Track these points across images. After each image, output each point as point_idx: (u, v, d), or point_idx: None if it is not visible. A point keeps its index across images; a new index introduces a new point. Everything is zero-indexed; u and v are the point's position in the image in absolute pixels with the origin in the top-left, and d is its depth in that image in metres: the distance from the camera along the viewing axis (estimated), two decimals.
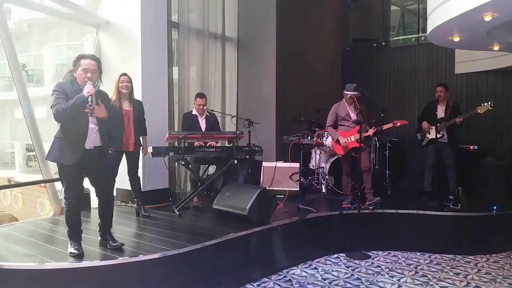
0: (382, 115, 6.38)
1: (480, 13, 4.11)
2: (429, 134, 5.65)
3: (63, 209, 3.49)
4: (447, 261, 4.58)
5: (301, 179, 5.65)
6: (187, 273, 3.49)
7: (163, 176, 5.46)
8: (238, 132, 5.09)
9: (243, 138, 5.12)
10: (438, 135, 5.48)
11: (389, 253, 4.83)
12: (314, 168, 6.38)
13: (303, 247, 4.55)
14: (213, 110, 5.53)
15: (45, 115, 8.64)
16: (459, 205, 4.90)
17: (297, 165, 5.45)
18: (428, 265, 4.46)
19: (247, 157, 5.23)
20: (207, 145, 5.04)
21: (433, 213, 4.90)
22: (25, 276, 3.04)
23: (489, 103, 5.29)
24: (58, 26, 11.81)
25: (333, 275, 4.17)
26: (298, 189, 5.36)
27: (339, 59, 8.97)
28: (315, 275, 4.17)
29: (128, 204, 5.14)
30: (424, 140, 5.74)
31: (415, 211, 4.93)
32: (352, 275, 4.17)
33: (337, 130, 5.27)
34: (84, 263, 3.12)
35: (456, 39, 5.12)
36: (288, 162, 5.59)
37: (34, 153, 7.12)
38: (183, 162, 4.77)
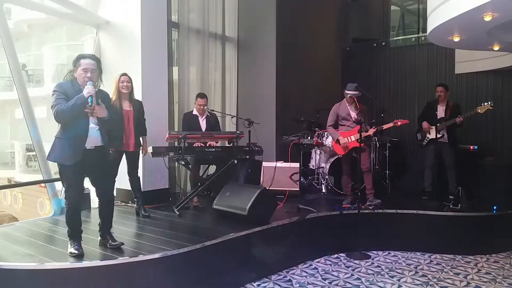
0: (382, 115, 6.39)
1: (480, 13, 4.11)
2: (429, 134, 5.66)
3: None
4: (447, 261, 4.58)
5: (301, 179, 5.65)
6: (187, 273, 3.48)
7: (163, 176, 5.46)
8: (238, 132, 5.10)
9: (243, 138, 5.12)
10: (438, 135, 5.49)
11: (389, 253, 4.83)
12: (314, 168, 6.38)
13: (303, 247, 4.55)
14: (213, 110, 5.53)
15: (45, 115, 8.65)
16: (459, 205, 4.90)
17: (297, 165, 5.45)
18: (428, 265, 4.46)
19: (247, 157, 5.24)
20: (207, 145, 5.04)
21: (433, 213, 4.90)
22: (25, 276, 3.04)
23: (489, 102, 5.30)
24: (58, 26, 11.80)
25: (333, 275, 4.17)
26: (298, 189, 5.36)
27: (339, 59, 8.97)
28: (315, 275, 4.17)
29: (128, 204, 5.15)
30: (424, 140, 5.74)
31: (415, 211, 4.93)
32: (352, 275, 4.17)
33: (337, 130, 5.28)
34: (84, 263, 3.12)
35: (456, 39, 5.12)
36: (288, 162, 5.59)
37: (34, 153, 7.11)
38: (183, 162, 4.77)
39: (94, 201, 4.77)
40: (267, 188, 4.80)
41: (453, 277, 4.12)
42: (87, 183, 3.62)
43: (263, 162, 5.84)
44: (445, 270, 4.32)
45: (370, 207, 5.01)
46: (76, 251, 3.22)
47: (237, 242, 3.87)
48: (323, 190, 6.09)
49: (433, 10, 4.78)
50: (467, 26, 4.59)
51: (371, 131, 5.17)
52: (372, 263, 4.51)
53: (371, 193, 5.17)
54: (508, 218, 4.98)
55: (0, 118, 12.65)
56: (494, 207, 5.02)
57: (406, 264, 4.50)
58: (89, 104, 3.11)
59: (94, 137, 3.28)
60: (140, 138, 4.68)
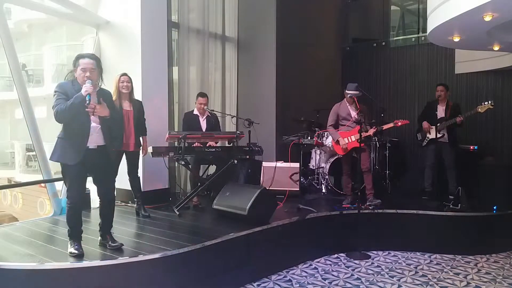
0: (382, 115, 6.39)
1: (480, 13, 4.11)
2: (430, 134, 5.65)
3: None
4: (447, 261, 4.57)
5: (301, 179, 5.65)
6: (187, 273, 3.48)
7: (163, 176, 5.46)
8: (238, 132, 5.09)
9: (243, 138, 5.12)
10: (439, 135, 5.49)
11: (389, 253, 4.83)
12: (314, 168, 6.38)
13: (303, 247, 4.55)
14: (213, 110, 5.53)
15: (45, 115, 8.66)
16: (459, 205, 4.89)
17: (297, 165, 5.45)
18: (428, 265, 4.45)
19: (247, 157, 5.24)
20: (207, 145, 5.04)
21: (433, 213, 4.90)
22: (25, 276, 3.04)
23: (490, 102, 5.30)
24: (58, 26, 11.80)
25: (333, 275, 4.17)
26: (298, 189, 5.36)
27: (339, 59, 8.97)
28: (315, 275, 4.17)
29: (128, 204, 5.14)
30: (425, 140, 5.74)
31: (415, 211, 4.93)
32: (352, 275, 4.17)
33: (338, 130, 5.28)
34: (84, 263, 3.12)
35: (456, 39, 5.12)
36: (288, 162, 5.59)
37: (34, 153, 7.11)
38: (183, 162, 4.77)
39: (94, 201, 4.79)
40: (267, 188, 4.80)
41: (453, 277, 4.12)
42: (88, 183, 3.62)
43: (263, 162, 5.84)
44: (445, 270, 4.32)
45: (370, 207, 5.01)
46: (76, 251, 3.22)
47: (237, 242, 3.87)
48: (323, 190, 6.08)
49: (433, 10, 4.77)
50: (467, 26, 4.59)
51: (371, 131, 5.17)
52: (372, 263, 4.51)
53: (371, 193, 5.17)
54: (508, 218, 4.98)
55: (0, 118, 12.65)
56: (494, 207, 5.02)
57: (406, 264, 4.50)
58: (87, 102, 3.11)
59: (95, 137, 3.29)
60: (140, 138, 4.68)
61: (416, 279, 4.06)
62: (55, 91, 3.23)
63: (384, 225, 4.91)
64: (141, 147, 4.69)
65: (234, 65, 7.09)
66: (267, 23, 7.26)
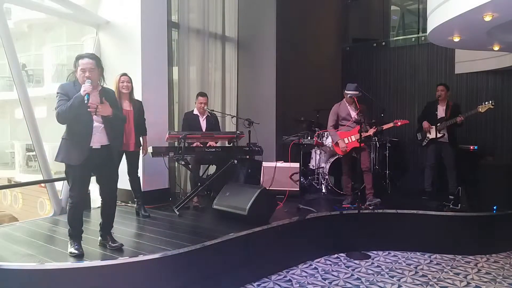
0: (382, 115, 6.39)
1: (480, 13, 4.11)
2: (430, 134, 5.65)
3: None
4: (447, 261, 4.57)
5: (301, 179, 5.65)
6: (187, 273, 3.48)
7: (163, 176, 5.46)
8: (238, 132, 5.10)
9: (243, 138, 5.12)
10: (439, 135, 5.49)
11: (389, 253, 4.83)
12: (314, 168, 6.38)
13: (303, 247, 4.55)
14: (213, 110, 5.53)
15: (45, 115, 8.66)
16: (459, 205, 4.90)
17: (297, 165, 5.46)
18: (428, 265, 4.46)
19: (247, 157, 5.24)
20: (207, 145, 5.04)
21: (433, 213, 4.90)
22: (25, 276, 3.04)
23: (490, 102, 5.30)
24: (58, 26, 11.79)
25: (333, 275, 4.17)
26: (298, 189, 5.36)
27: (339, 59, 8.98)
28: (315, 275, 4.17)
29: (128, 204, 5.14)
30: (425, 140, 5.74)
31: (415, 211, 4.93)
32: (352, 275, 4.17)
33: (338, 130, 5.28)
34: (84, 263, 3.12)
35: (456, 39, 5.12)
36: (288, 162, 5.59)
37: (34, 153, 7.11)
38: (183, 162, 4.77)
39: (94, 201, 4.79)
40: (267, 188, 4.80)
41: (453, 277, 4.12)
42: (90, 183, 3.62)
43: (263, 162, 5.84)
44: (445, 270, 4.32)
45: (370, 207, 5.01)
46: (76, 251, 3.22)
47: (237, 242, 3.87)
48: (323, 190, 6.08)
49: (433, 10, 4.78)
50: (467, 26, 4.59)
51: (371, 131, 5.18)
52: (372, 263, 4.51)
53: (371, 192, 5.17)
54: (508, 218, 4.98)
55: (0, 118, 12.65)
56: (494, 207, 5.02)
57: (406, 264, 4.50)
58: (85, 101, 3.11)
59: (99, 136, 3.30)
60: (140, 138, 4.68)
61: (416, 279, 4.06)
62: (57, 93, 3.24)
63: (384, 225, 4.91)
64: (141, 147, 4.69)
65: (234, 65, 7.09)
66: (267, 23, 7.26)
